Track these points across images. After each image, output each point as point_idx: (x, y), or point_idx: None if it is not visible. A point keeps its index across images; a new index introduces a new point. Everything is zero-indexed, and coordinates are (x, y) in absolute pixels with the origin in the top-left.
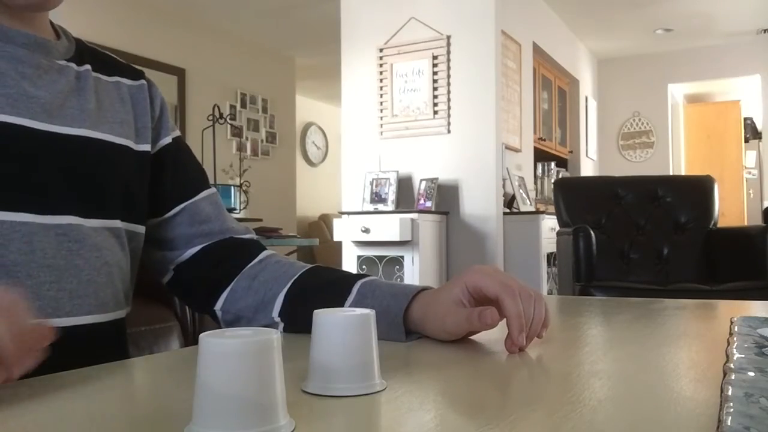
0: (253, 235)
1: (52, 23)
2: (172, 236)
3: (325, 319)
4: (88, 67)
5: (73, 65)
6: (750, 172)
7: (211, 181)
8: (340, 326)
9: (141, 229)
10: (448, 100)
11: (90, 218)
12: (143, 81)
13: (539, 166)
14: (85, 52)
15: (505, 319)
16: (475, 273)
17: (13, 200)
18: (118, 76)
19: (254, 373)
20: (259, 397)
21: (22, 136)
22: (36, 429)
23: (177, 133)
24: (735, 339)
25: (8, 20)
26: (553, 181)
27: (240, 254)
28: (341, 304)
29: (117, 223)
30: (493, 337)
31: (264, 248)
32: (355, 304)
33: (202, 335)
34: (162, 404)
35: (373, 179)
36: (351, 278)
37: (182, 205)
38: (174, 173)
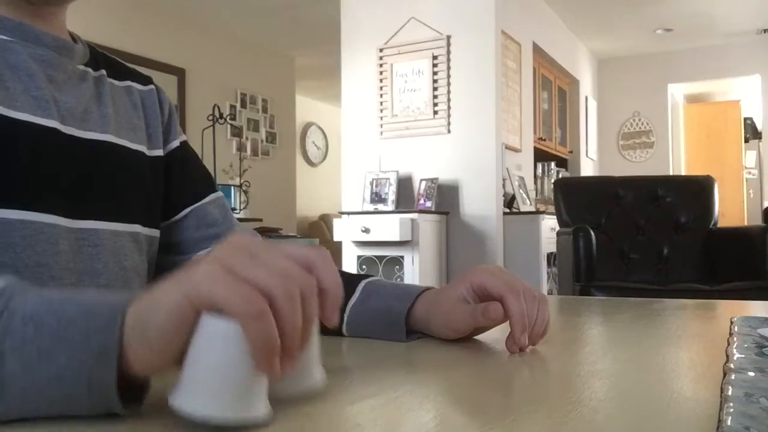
0: (258, 237)
1: None
2: (179, 240)
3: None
4: (103, 72)
5: (90, 70)
6: (750, 172)
7: None
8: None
9: (157, 233)
10: (448, 100)
11: (111, 222)
12: (152, 86)
13: (539, 166)
14: (98, 57)
15: (507, 319)
16: (480, 272)
17: (41, 202)
18: (129, 80)
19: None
20: (249, 381)
21: (51, 139)
22: (38, 429)
23: (184, 137)
24: (735, 339)
25: (33, 20)
26: (553, 181)
27: None
28: (344, 303)
29: (137, 228)
30: (493, 337)
31: None
32: (358, 304)
33: (204, 314)
34: (163, 405)
35: (373, 179)
36: (355, 278)
37: (190, 209)
38: (181, 177)
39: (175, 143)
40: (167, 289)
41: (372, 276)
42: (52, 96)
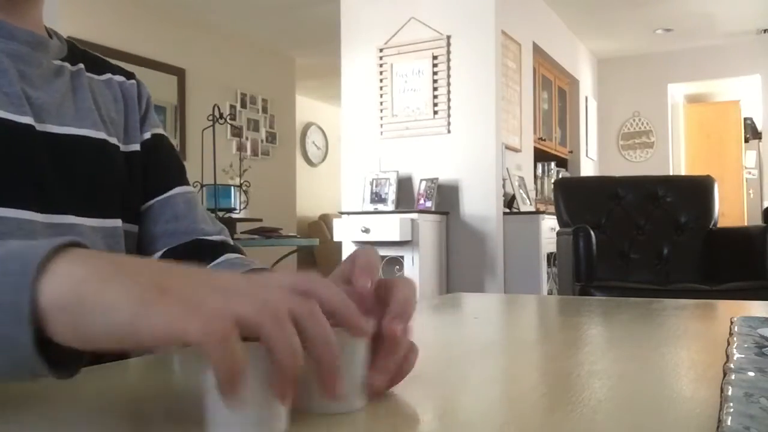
0: (224, 237)
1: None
2: (140, 234)
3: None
4: (81, 66)
5: (67, 65)
6: (750, 172)
7: (211, 181)
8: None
9: (136, 228)
10: (448, 100)
11: (89, 218)
12: (133, 80)
13: (539, 166)
14: (77, 52)
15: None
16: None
17: (16, 198)
18: (109, 73)
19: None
20: (265, 408)
21: (23, 135)
22: (36, 430)
23: (159, 130)
24: (735, 339)
25: (7, 16)
26: (553, 181)
27: (201, 257)
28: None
29: (117, 223)
30: (491, 338)
31: (231, 250)
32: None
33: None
34: (162, 405)
35: (373, 179)
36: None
37: (152, 202)
38: (146, 169)
39: (147, 135)
40: (118, 301)
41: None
42: (24, 92)
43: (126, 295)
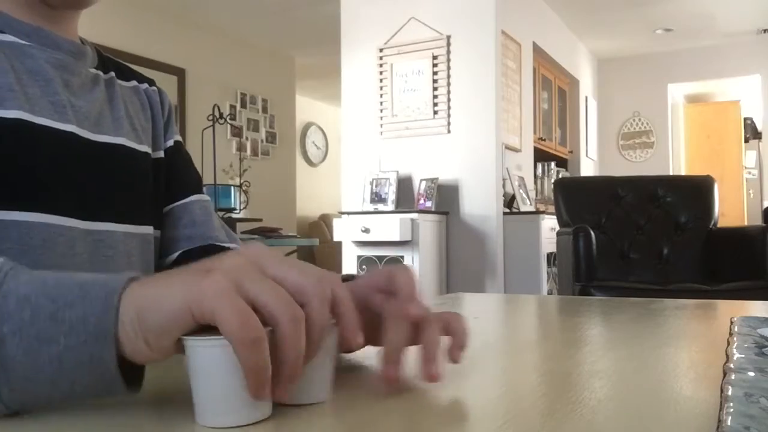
0: (238, 245)
1: None
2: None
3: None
4: (112, 74)
5: (101, 73)
6: (750, 172)
7: (211, 181)
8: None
9: (158, 233)
10: (448, 100)
11: (124, 224)
12: (155, 87)
13: (539, 166)
14: (106, 60)
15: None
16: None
17: (59, 204)
18: (135, 81)
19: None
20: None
21: (68, 144)
22: (40, 429)
23: (178, 137)
24: (735, 339)
25: (50, 25)
26: (553, 181)
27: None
28: None
29: (149, 230)
30: (488, 339)
31: None
32: None
33: (199, 340)
34: (163, 405)
35: (373, 179)
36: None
37: (170, 207)
38: (166, 175)
39: (170, 142)
40: (172, 291)
41: None
42: (68, 101)
43: (178, 282)
